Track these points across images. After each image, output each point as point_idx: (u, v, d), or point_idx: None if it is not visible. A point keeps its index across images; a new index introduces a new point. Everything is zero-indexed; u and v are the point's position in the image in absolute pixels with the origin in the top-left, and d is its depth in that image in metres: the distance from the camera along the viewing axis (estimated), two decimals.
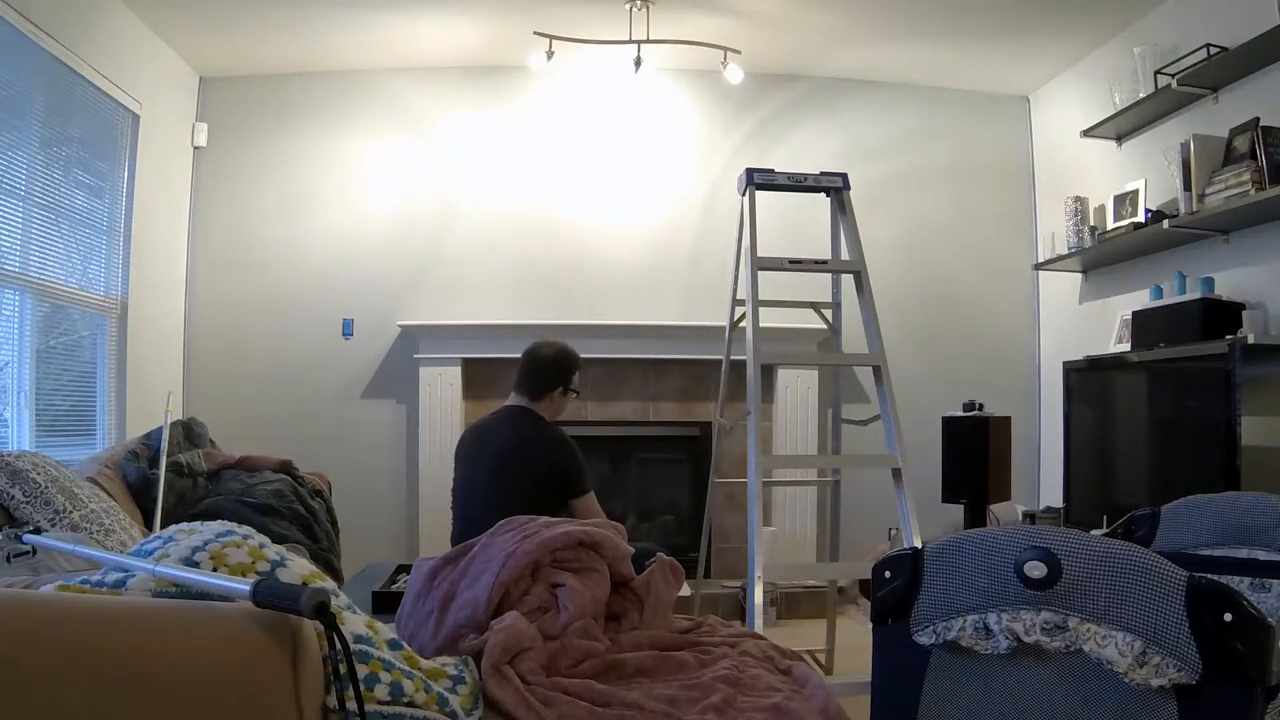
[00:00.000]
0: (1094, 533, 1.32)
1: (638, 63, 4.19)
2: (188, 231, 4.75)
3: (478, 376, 4.76)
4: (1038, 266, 4.81)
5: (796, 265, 3.27)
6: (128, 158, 4.13)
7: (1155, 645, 1.09)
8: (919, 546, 1.32)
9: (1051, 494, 4.64)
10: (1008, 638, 1.19)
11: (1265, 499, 1.75)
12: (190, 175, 4.76)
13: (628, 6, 4.10)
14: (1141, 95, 3.83)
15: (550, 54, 4.26)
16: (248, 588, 0.98)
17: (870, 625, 1.40)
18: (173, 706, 0.88)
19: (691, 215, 4.93)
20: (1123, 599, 1.13)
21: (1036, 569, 1.17)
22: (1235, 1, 3.46)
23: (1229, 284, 3.53)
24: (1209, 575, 1.11)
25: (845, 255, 3.39)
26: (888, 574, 1.33)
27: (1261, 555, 1.68)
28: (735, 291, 3.70)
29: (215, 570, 1.13)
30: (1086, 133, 4.27)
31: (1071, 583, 1.16)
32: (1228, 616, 1.06)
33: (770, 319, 4.82)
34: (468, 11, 4.22)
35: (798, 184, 3.42)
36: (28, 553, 2.11)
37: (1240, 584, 1.63)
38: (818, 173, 3.49)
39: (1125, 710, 1.12)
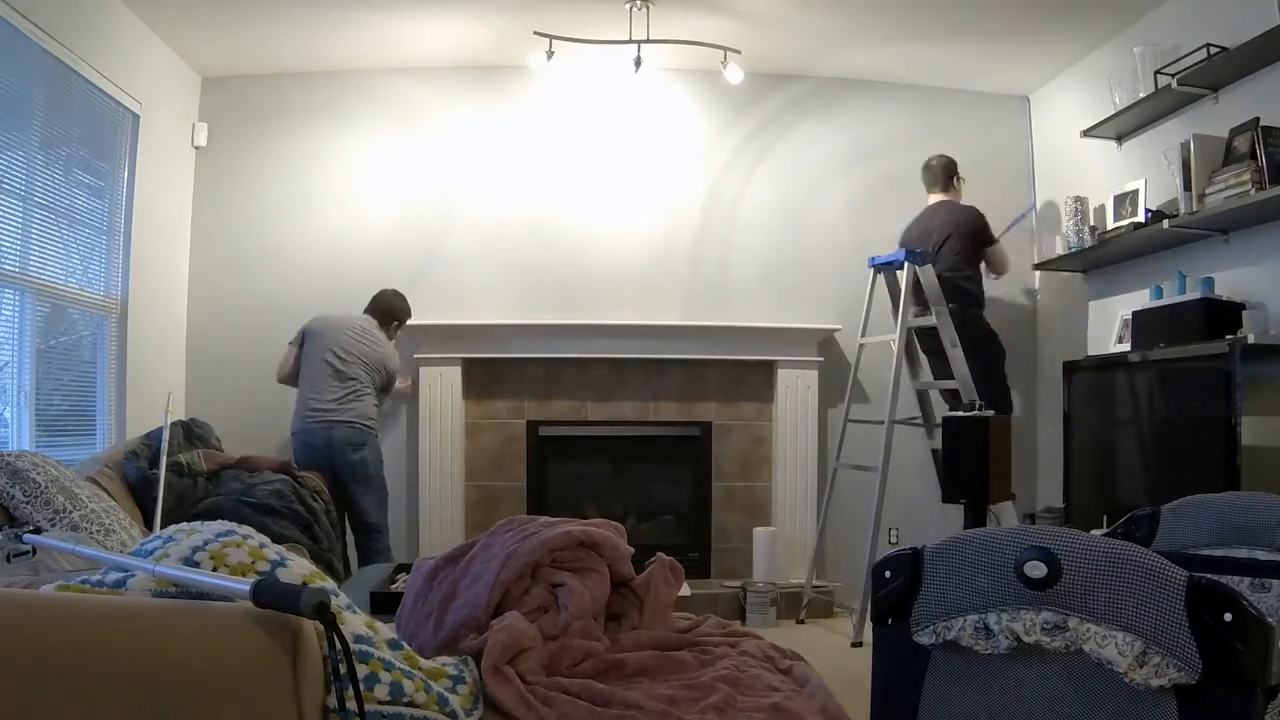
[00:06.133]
0: (1094, 532, 1.32)
1: (638, 63, 4.18)
2: (188, 231, 4.76)
3: (478, 376, 4.76)
4: (1038, 266, 4.81)
5: None
6: (128, 158, 4.13)
7: (1155, 645, 1.09)
8: (919, 547, 1.33)
9: (1051, 494, 4.64)
10: (1008, 638, 1.19)
11: (1265, 499, 1.74)
12: (190, 175, 4.76)
13: (628, 6, 4.09)
14: (1141, 95, 3.83)
15: (550, 54, 4.26)
16: (248, 588, 0.98)
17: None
18: (172, 706, 0.88)
19: (691, 215, 4.93)
20: (1123, 599, 1.13)
21: (1036, 569, 1.17)
22: (1235, 1, 3.45)
23: (1229, 284, 3.53)
24: (1209, 575, 1.12)
25: None
26: (888, 574, 1.33)
27: (1261, 555, 1.67)
28: None
29: (215, 570, 1.13)
30: (1086, 133, 4.27)
31: (1072, 583, 1.16)
32: (1228, 616, 1.05)
33: (770, 319, 4.84)
34: (468, 11, 4.22)
35: None
36: (28, 553, 2.11)
37: (1240, 584, 1.63)
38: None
39: (1125, 710, 1.12)
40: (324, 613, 0.97)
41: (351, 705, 1.02)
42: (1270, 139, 3.19)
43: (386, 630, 1.28)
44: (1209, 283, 3.56)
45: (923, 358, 4.55)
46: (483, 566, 1.75)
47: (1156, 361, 3.55)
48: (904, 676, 1.29)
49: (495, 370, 4.75)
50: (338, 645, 1.00)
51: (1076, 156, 4.57)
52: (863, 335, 4.58)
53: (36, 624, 0.85)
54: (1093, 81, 4.44)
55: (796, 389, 4.82)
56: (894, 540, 4.69)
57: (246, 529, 1.25)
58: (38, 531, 2.36)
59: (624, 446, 4.94)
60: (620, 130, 4.92)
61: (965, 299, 4.29)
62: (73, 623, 0.88)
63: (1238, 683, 1.06)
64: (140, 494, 3.22)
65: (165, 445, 3.32)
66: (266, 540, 1.24)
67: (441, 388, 4.67)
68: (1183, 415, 3.44)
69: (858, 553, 4.36)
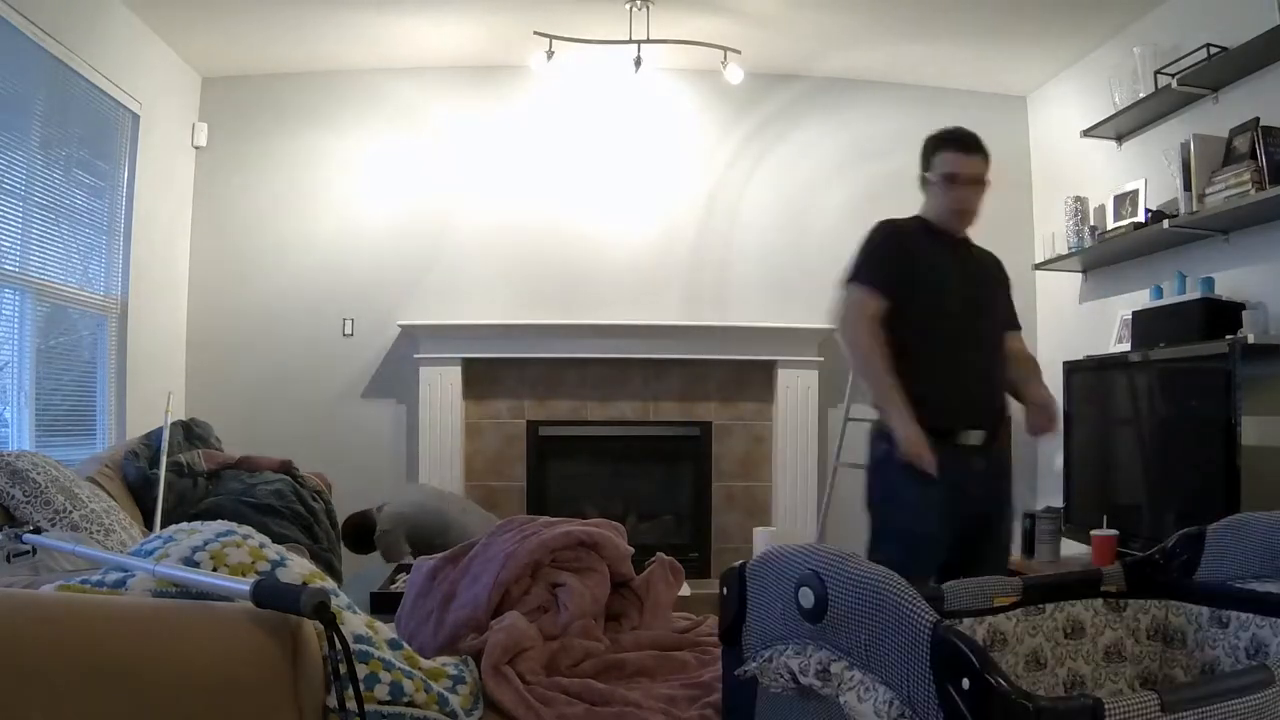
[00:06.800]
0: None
1: (638, 63, 4.18)
2: (188, 231, 4.76)
3: (478, 376, 4.76)
4: (1037, 266, 4.81)
5: None
6: (128, 158, 4.12)
7: (909, 707, 0.89)
8: (743, 563, 1.14)
9: (1051, 494, 4.64)
10: (783, 676, 1.01)
11: None
12: (190, 175, 4.76)
13: (628, 6, 4.09)
14: (1141, 95, 3.82)
15: (550, 54, 4.26)
16: (248, 588, 0.98)
17: None
18: (172, 706, 0.88)
19: (691, 215, 4.93)
20: (879, 642, 0.94)
21: (806, 597, 1.00)
22: (1235, 1, 3.45)
23: (1229, 284, 3.52)
24: (961, 623, 0.96)
25: None
26: (725, 590, 1.15)
27: None
28: None
29: (215, 570, 1.13)
30: (1086, 133, 4.26)
31: (836, 614, 0.98)
32: (965, 684, 0.84)
33: (770, 319, 4.84)
34: (467, 11, 4.22)
35: None
36: (28, 553, 2.11)
37: None
38: None
39: None
40: (324, 613, 0.97)
41: (351, 705, 1.02)
42: (1270, 139, 3.18)
43: (386, 630, 1.28)
44: (1209, 283, 3.56)
45: None
46: (483, 567, 1.75)
47: (1156, 361, 3.54)
48: (740, 704, 1.14)
49: (495, 370, 4.75)
50: (338, 645, 1.00)
51: (1076, 156, 4.57)
52: None
53: (36, 624, 0.85)
54: (1092, 81, 4.44)
55: (796, 389, 4.82)
56: None
57: (246, 529, 1.25)
58: (38, 531, 2.36)
59: (624, 446, 4.94)
60: (620, 130, 4.92)
61: None
62: (73, 623, 0.88)
63: None
64: (140, 494, 3.22)
65: (165, 445, 3.32)
66: (266, 540, 1.24)
67: (441, 388, 4.67)
68: (1183, 415, 3.43)
69: (858, 553, 4.36)
